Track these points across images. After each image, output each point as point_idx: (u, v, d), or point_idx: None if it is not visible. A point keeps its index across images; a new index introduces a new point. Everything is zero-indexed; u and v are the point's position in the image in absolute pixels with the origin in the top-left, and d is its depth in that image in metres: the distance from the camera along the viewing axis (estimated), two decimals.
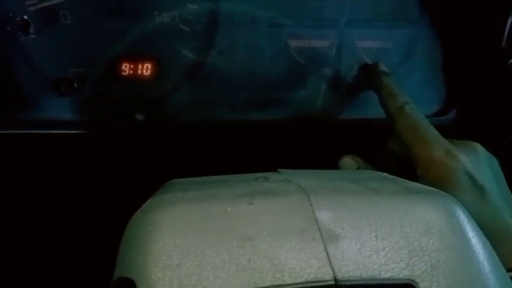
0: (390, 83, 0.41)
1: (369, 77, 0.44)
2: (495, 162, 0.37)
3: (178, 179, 0.29)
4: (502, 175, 0.37)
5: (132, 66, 0.41)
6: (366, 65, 0.45)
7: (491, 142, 0.36)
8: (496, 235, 0.22)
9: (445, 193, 0.25)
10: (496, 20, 0.43)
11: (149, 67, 0.42)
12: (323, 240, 0.21)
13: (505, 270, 0.22)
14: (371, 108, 0.46)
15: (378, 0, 0.44)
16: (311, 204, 0.22)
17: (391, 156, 0.40)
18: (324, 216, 0.22)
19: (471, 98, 0.47)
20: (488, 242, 0.22)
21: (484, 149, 0.37)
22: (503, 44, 0.43)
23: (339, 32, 0.44)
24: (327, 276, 0.19)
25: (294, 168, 0.30)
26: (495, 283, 0.20)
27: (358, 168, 0.40)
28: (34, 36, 0.39)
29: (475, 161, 0.35)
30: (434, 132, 0.37)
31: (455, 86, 0.48)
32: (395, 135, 0.39)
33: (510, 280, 0.22)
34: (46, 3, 0.38)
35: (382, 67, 0.44)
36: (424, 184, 0.32)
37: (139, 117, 0.43)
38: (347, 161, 0.41)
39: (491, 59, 0.45)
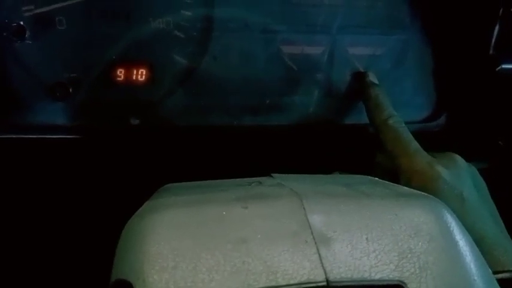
0: (377, 94, 0.43)
1: (359, 86, 0.45)
2: (475, 171, 0.38)
3: (173, 184, 0.30)
4: (483, 184, 0.38)
5: (126, 71, 0.42)
6: (357, 74, 0.46)
7: (480, 147, 0.37)
8: (477, 242, 0.23)
9: (433, 197, 0.26)
10: (484, 28, 0.44)
11: (143, 72, 0.42)
12: (315, 243, 0.21)
13: (491, 272, 0.22)
14: (363, 114, 0.46)
15: (370, 7, 0.45)
16: (304, 208, 0.23)
17: (379, 168, 0.41)
18: (316, 219, 0.22)
19: (460, 104, 0.48)
20: (474, 245, 0.23)
21: (463, 159, 0.38)
22: (491, 51, 0.44)
23: (332, 38, 0.45)
24: (319, 277, 0.20)
25: (287, 173, 0.31)
26: (482, 284, 0.21)
27: None
28: (30, 42, 0.39)
29: (454, 171, 0.37)
30: (416, 145, 0.39)
31: (445, 92, 0.49)
32: (382, 146, 0.40)
33: (496, 281, 0.22)
34: (42, 9, 0.38)
35: (371, 77, 0.45)
36: None
37: (134, 122, 0.43)
38: None
39: (480, 66, 0.45)
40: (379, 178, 0.34)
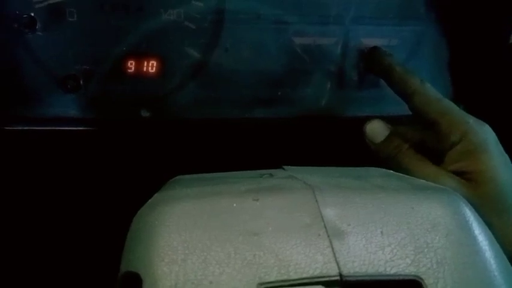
0: (399, 62, 0.42)
1: (371, 60, 0.44)
2: None
3: (183, 176, 0.30)
4: None
5: (137, 63, 0.41)
6: (368, 50, 0.44)
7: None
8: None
9: (451, 190, 0.25)
10: (503, 17, 0.43)
11: (154, 64, 0.42)
12: (328, 236, 0.21)
13: (511, 267, 0.22)
14: (377, 106, 0.46)
15: None
16: (316, 201, 0.23)
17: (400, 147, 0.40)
18: (330, 212, 0.22)
19: (477, 95, 0.47)
20: (494, 239, 0.22)
21: None
22: (510, 41, 0.43)
23: (345, 29, 0.44)
24: (332, 271, 0.19)
25: (299, 165, 0.30)
26: (502, 280, 0.20)
27: (389, 134, 0.40)
28: (40, 34, 0.39)
29: None
30: (455, 105, 0.38)
31: (462, 84, 0.48)
32: (413, 112, 0.39)
33: None
34: (52, 1, 0.38)
35: (383, 49, 0.44)
36: (457, 152, 0.35)
37: (145, 114, 0.43)
38: (376, 124, 0.41)
39: (498, 56, 0.44)
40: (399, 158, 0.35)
